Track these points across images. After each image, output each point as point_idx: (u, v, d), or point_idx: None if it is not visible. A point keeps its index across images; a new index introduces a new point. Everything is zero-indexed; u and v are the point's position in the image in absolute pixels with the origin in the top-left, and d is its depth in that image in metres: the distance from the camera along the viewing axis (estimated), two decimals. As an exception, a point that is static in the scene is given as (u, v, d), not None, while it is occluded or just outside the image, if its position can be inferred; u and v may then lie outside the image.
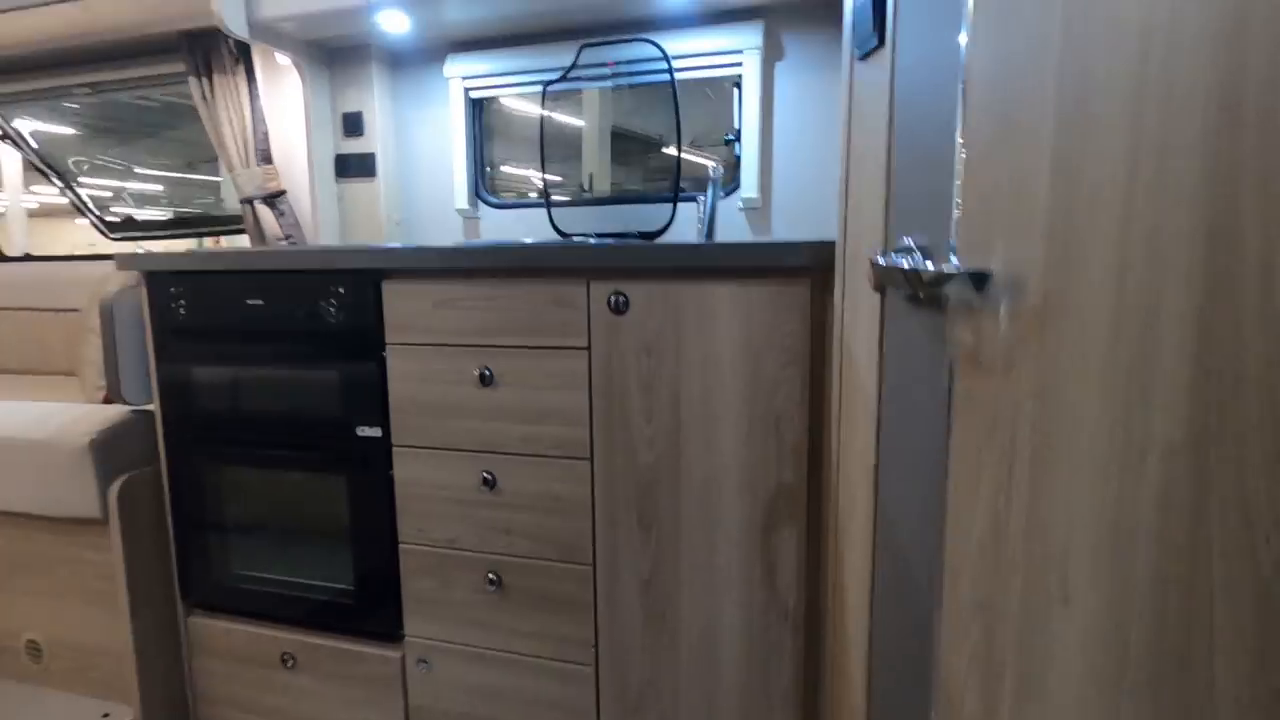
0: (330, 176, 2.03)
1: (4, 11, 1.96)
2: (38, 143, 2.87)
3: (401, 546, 1.33)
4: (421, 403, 1.28)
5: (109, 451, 1.47)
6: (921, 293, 0.60)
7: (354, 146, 2.01)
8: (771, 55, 1.71)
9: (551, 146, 1.83)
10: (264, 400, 1.40)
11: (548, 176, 1.84)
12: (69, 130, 2.95)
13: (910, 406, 0.69)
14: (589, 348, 1.17)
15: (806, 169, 1.72)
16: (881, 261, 0.66)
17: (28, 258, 2.72)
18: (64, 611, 1.61)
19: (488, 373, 1.22)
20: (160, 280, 1.44)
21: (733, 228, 1.77)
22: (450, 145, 1.97)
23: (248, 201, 2.14)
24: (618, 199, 1.88)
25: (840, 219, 0.95)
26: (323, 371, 1.34)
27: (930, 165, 0.62)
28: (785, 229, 1.75)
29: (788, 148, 1.73)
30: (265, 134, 2.15)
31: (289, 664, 1.43)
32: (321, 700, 1.42)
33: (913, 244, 0.68)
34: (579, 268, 1.15)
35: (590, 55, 1.78)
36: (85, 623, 1.60)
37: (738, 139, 1.79)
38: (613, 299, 1.14)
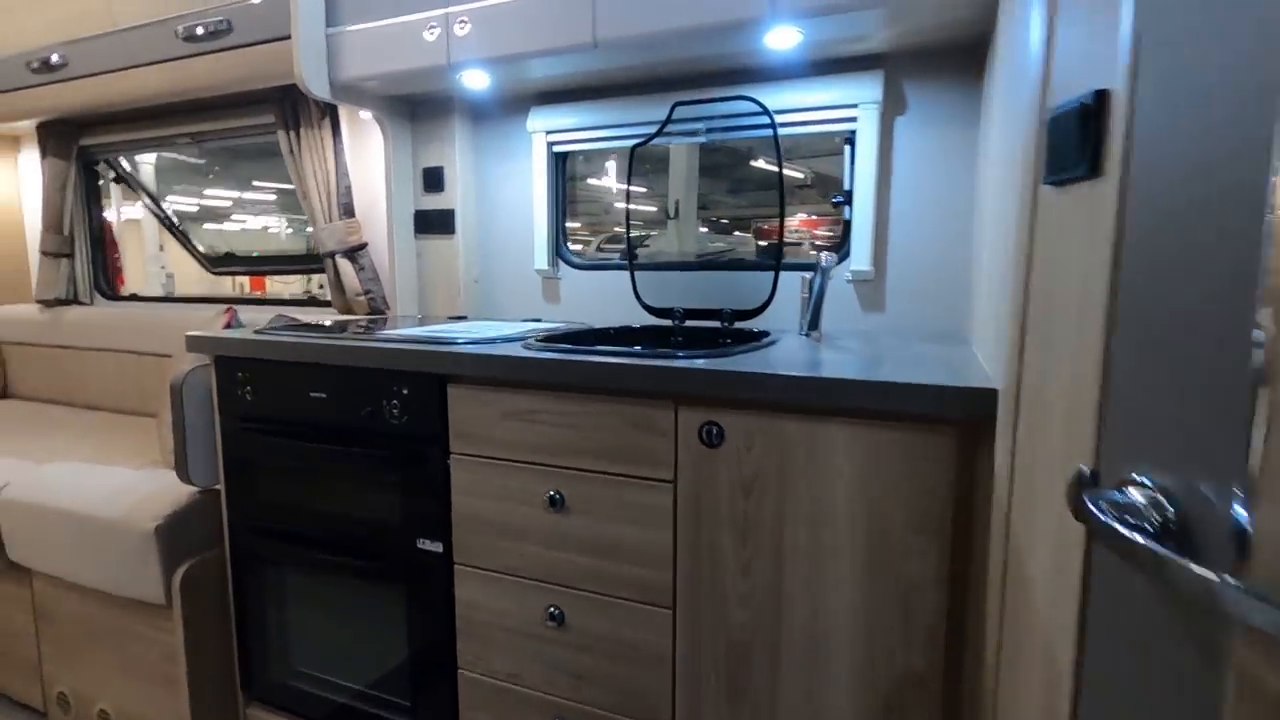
0: (409, 232, 1.95)
1: (113, 71, 2.00)
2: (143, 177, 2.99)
3: (461, 673, 1.20)
4: (486, 520, 1.15)
5: (174, 537, 1.42)
6: (1177, 582, 0.40)
7: (434, 202, 1.92)
8: (892, 109, 1.49)
9: (644, 182, 1.68)
10: (325, 497, 1.31)
11: (633, 234, 1.69)
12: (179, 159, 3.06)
13: (1133, 708, 0.48)
14: (675, 481, 1.00)
15: (930, 240, 1.49)
16: (1098, 513, 0.46)
17: (134, 298, 2.81)
18: (133, 687, 1.58)
19: (558, 496, 1.08)
20: (227, 364, 1.38)
21: (839, 303, 1.56)
22: (531, 201, 1.86)
23: (329, 255, 2.10)
24: (711, 264, 1.70)
25: (1009, 369, 0.74)
26: (384, 474, 1.23)
27: (1193, 359, 0.41)
28: (902, 309, 1.53)
29: (908, 214, 1.51)
30: (348, 187, 2.11)
31: (342, 778, 1.34)
32: (374, 822, 1.32)
33: (1149, 483, 0.48)
34: (665, 391, 0.98)
35: (684, 110, 1.62)
36: (151, 701, 1.57)
37: (848, 202, 1.58)
38: (705, 430, 0.97)
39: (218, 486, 1.47)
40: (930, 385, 0.83)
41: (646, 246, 2.01)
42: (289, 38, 1.62)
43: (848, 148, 1.58)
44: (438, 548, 1.19)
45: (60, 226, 2.67)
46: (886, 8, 1.18)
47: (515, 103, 1.86)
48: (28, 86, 2.15)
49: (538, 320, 1.69)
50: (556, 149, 1.83)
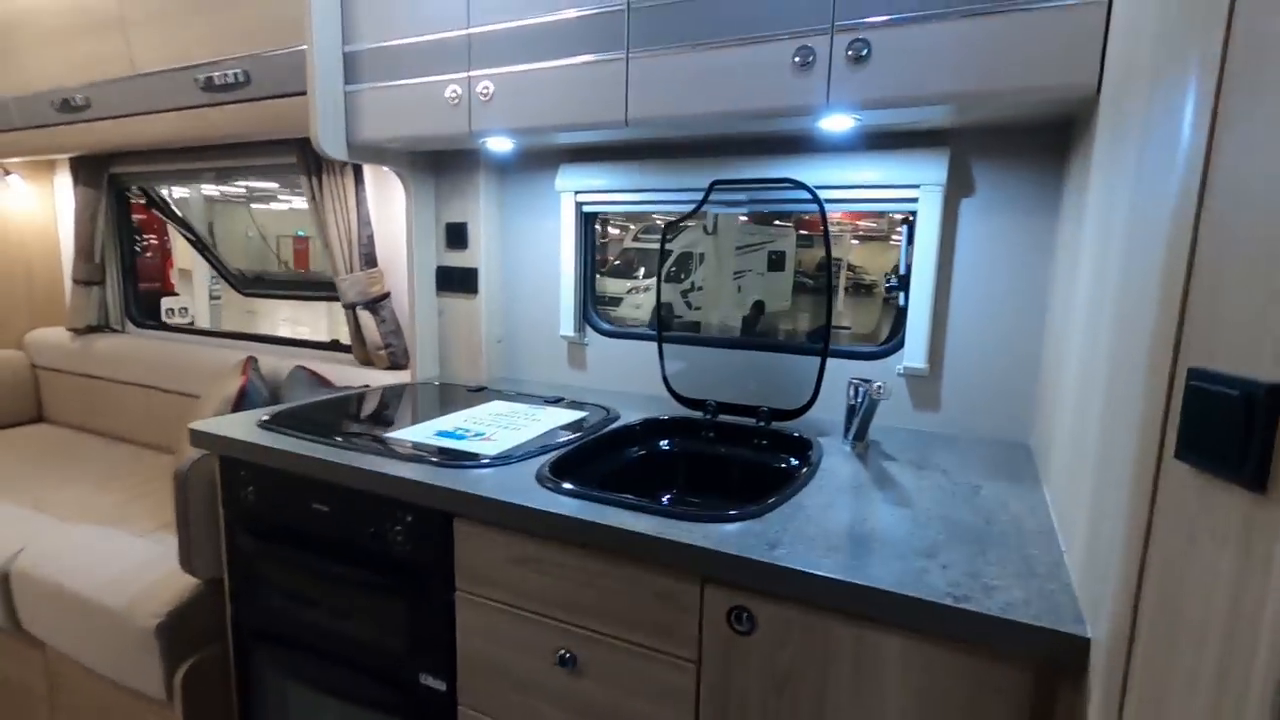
0: (431, 289, 1.86)
1: (135, 115, 1.94)
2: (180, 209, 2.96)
3: (463, 819, 1.11)
4: (493, 666, 1.05)
5: (176, 634, 1.37)
6: None
7: (457, 260, 1.82)
8: (957, 190, 1.33)
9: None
10: (328, 612, 1.23)
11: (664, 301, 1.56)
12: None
13: None
14: (699, 663, 0.89)
15: (994, 337, 1.33)
16: None
17: (164, 326, 2.79)
18: (139, 769, 1.55)
19: (569, 656, 0.97)
20: (229, 461, 1.30)
21: (887, 400, 1.42)
22: (558, 262, 1.74)
23: (349, 307, 2.02)
24: (749, 342, 1.57)
25: (1118, 632, 0.60)
26: (388, 601, 1.15)
27: None
28: (958, 410, 1.37)
29: (970, 306, 1.35)
30: (370, 237, 2.02)
31: None
32: None
33: None
34: (689, 567, 0.86)
35: (724, 174, 1.48)
36: (157, 785, 1.53)
37: (903, 288, 1.42)
38: (734, 614, 0.85)
39: (223, 578, 1.41)
40: (995, 618, 0.70)
41: (687, 307, 1.88)
42: (305, 93, 1.52)
43: (904, 227, 1.43)
44: (441, 686, 1.10)
45: (91, 254, 2.65)
46: (957, 104, 1.03)
47: (544, 159, 1.75)
48: (52, 125, 2.11)
49: (559, 400, 1.58)
50: (586, 209, 1.71)
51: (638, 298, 4.48)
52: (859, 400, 1.22)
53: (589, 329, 1.77)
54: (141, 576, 1.45)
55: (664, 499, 1.36)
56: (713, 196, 1.45)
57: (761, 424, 1.36)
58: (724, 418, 1.41)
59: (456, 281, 1.83)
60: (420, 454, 1.15)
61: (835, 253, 1.36)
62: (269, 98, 1.66)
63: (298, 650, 1.29)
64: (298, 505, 1.22)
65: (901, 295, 1.44)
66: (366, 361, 2.08)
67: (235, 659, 1.38)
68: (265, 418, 1.35)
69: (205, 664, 1.38)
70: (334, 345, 2.30)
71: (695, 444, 1.40)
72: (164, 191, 2.89)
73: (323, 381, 2.00)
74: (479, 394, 1.65)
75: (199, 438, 1.29)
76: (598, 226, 1.80)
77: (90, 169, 2.59)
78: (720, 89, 1.13)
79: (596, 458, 1.26)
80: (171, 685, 1.35)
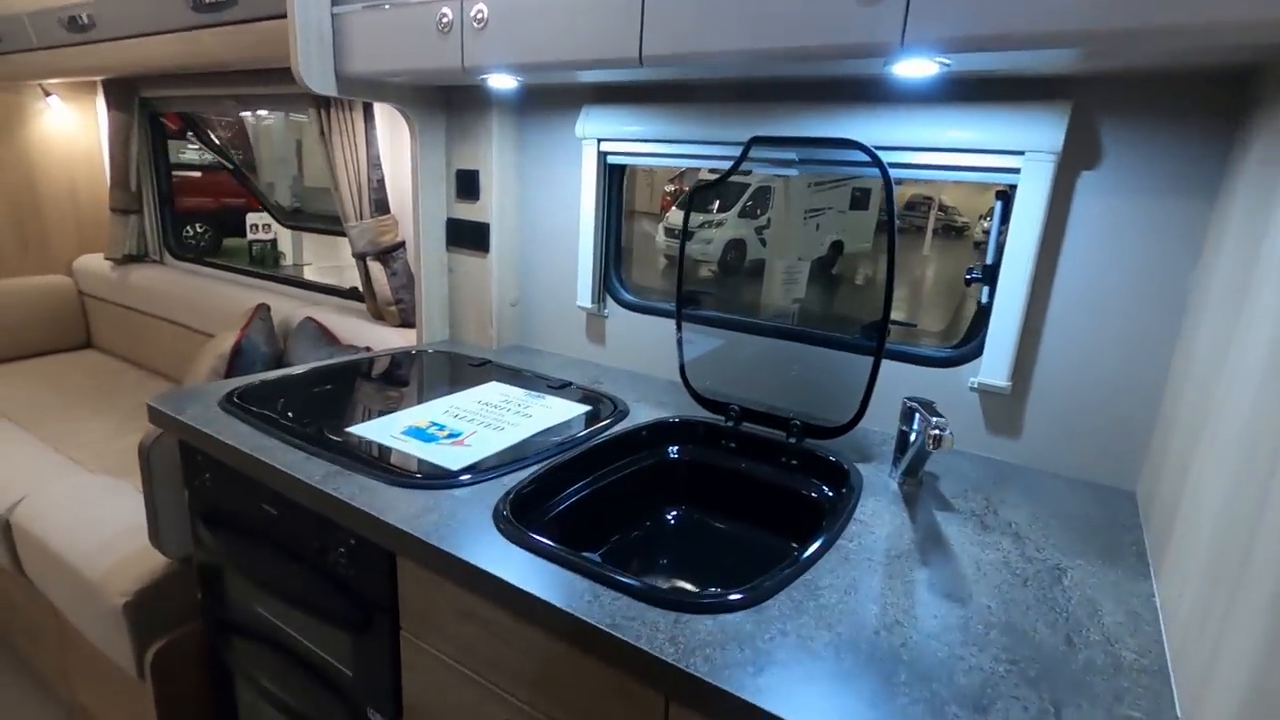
0: (440, 243, 1.67)
1: (135, 37, 1.78)
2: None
3: None
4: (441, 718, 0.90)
5: (144, 613, 1.29)
6: None
7: (467, 212, 1.61)
8: (1077, 160, 1.01)
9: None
10: (284, 624, 1.11)
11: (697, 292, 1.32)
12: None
13: None
14: (663, 783, 0.70)
15: (1107, 356, 1.03)
16: None
17: (200, 260, 2.73)
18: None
19: (518, 733, 0.81)
20: (188, 448, 1.18)
21: (959, 413, 1.15)
22: (578, 219, 1.51)
23: (360, 257, 1.86)
24: (790, 331, 1.31)
25: None
26: (335, 625, 1.01)
27: None
28: (1042, 440, 1.09)
29: (1076, 313, 1.05)
30: (381, 180, 1.83)
31: None
32: None
33: None
34: (649, 681, 0.66)
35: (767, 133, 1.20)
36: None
37: (987, 280, 1.13)
38: (706, 742, 0.65)
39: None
40: None
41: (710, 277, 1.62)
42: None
43: (998, 203, 1.12)
44: (389, 728, 0.97)
45: (126, 182, 2.58)
46: (1084, 48, 0.72)
47: (564, 99, 1.49)
48: (64, 45, 1.99)
49: (564, 386, 1.38)
50: (611, 159, 1.46)
51: (709, 233, 4.16)
52: (914, 436, 0.96)
53: (610, 300, 1.54)
54: (120, 547, 1.38)
55: (665, 515, 1.16)
56: (753, 153, 1.17)
57: (792, 440, 1.12)
58: (748, 426, 1.18)
59: (467, 237, 1.63)
60: (375, 463, 0.98)
61: (925, 191, 1.09)
62: (256, 20, 1.45)
63: (259, 654, 1.19)
64: (250, 503, 1.08)
65: (984, 291, 1.15)
66: (379, 316, 1.93)
67: (208, 647, 1.30)
68: (230, 393, 1.21)
69: (177, 645, 1.30)
70: (352, 293, 2.16)
71: (711, 454, 1.19)
72: (247, 116, 2.76)
73: (329, 337, 1.87)
74: (480, 369, 1.47)
75: (156, 415, 1.17)
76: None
77: (120, 92, 2.48)
78: (759, 21, 0.84)
79: (585, 471, 1.06)
80: (142, 664, 1.29)
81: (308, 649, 1.08)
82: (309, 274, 6.04)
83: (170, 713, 1.31)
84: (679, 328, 1.25)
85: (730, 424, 1.18)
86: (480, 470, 0.97)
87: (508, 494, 0.91)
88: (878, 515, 0.93)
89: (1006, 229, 1.08)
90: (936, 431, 0.80)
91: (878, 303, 1.03)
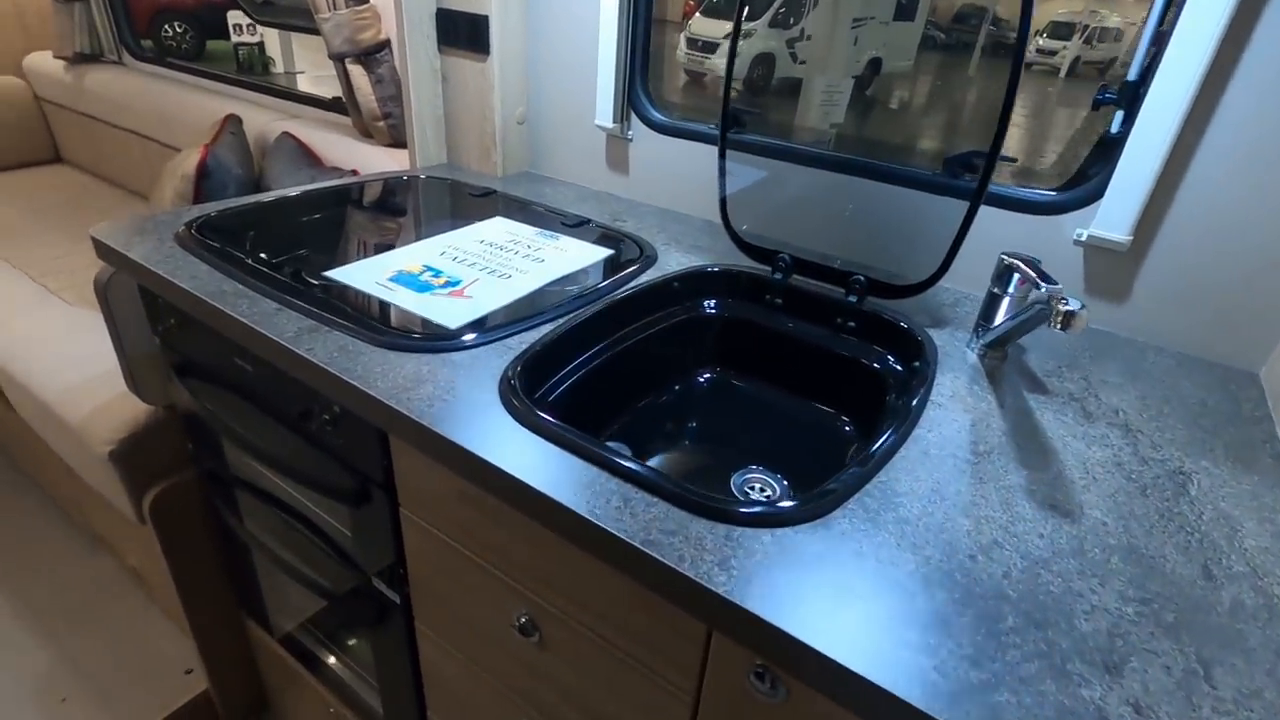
0: (430, 42, 1.38)
1: None
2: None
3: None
4: (449, 602, 0.83)
5: (134, 462, 1.21)
6: None
7: (462, 2, 1.31)
8: (1295, -75, 0.73)
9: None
10: (280, 467, 1.02)
11: (738, 110, 1.06)
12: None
13: None
14: (697, 698, 0.61)
15: (1266, 212, 0.82)
16: None
17: (160, 60, 2.39)
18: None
19: (529, 625, 0.72)
20: (149, 294, 1.02)
21: (1057, 268, 0.96)
22: (598, 14, 1.22)
23: (337, 58, 1.57)
24: (853, 162, 1.08)
25: None
26: (329, 496, 0.91)
27: None
28: (1154, 309, 0.91)
29: (1237, 162, 0.82)
30: (354, -43, 1.49)
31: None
32: None
33: None
34: (689, 606, 0.54)
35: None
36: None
37: (1122, 104, 0.88)
38: (756, 674, 0.55)
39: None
40: None
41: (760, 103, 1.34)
42: None
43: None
44: (395, 598, 0.90)
45: (61, -41, 2.19)
46: None
47: None
48: None
49: (582, 224, 1.19)
50: (641, -72, 1.14)
51: (738, 44, 3.69)
52: (1017, 303, 0.78)
53: (635, 119, 1.29)
54: (100, 390, 1.27)
55: (701, 373, 1.02)
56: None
57: (853, 299, 0.94)
58: (798, 280, 1.00)
59: (462, 33, 1.34)
60: (357, 318, 0.82)
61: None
62: None
63: (258, 510, 1.12)
64: (221, 353, 0.94)
65: (1116, 116, 0.90)
66: (366, 133, 1.68)
67: (202, 488, 1.23)
68: (190, 224, 1.02)
69: (174, 492, 1.24)
70: (338, 104, 1.88)
71: (754, 311, 1.02)
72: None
73: (311, 158, 1.63)
74: (484, 201, 1.26)
75: (103, 250, 0.99)
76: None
77: None
78: None
79: (607, 331, 0.90)
80: (141, 510, 1.23)
81: (309, 510, 1.00)
82: (302, 83, 5.49)
83: (177, 554, 1.28)
84: (721, 154, 1.03)
85: (779, 277, 1.00)
86: (484, 329, 0.81)
87: (516, 361, 0.75)
88: (957, 397, 0.77)
89: (1160, 41, 0.81)
90: (1067, 307, 0.62)
91: (917, 129, 0.80)
